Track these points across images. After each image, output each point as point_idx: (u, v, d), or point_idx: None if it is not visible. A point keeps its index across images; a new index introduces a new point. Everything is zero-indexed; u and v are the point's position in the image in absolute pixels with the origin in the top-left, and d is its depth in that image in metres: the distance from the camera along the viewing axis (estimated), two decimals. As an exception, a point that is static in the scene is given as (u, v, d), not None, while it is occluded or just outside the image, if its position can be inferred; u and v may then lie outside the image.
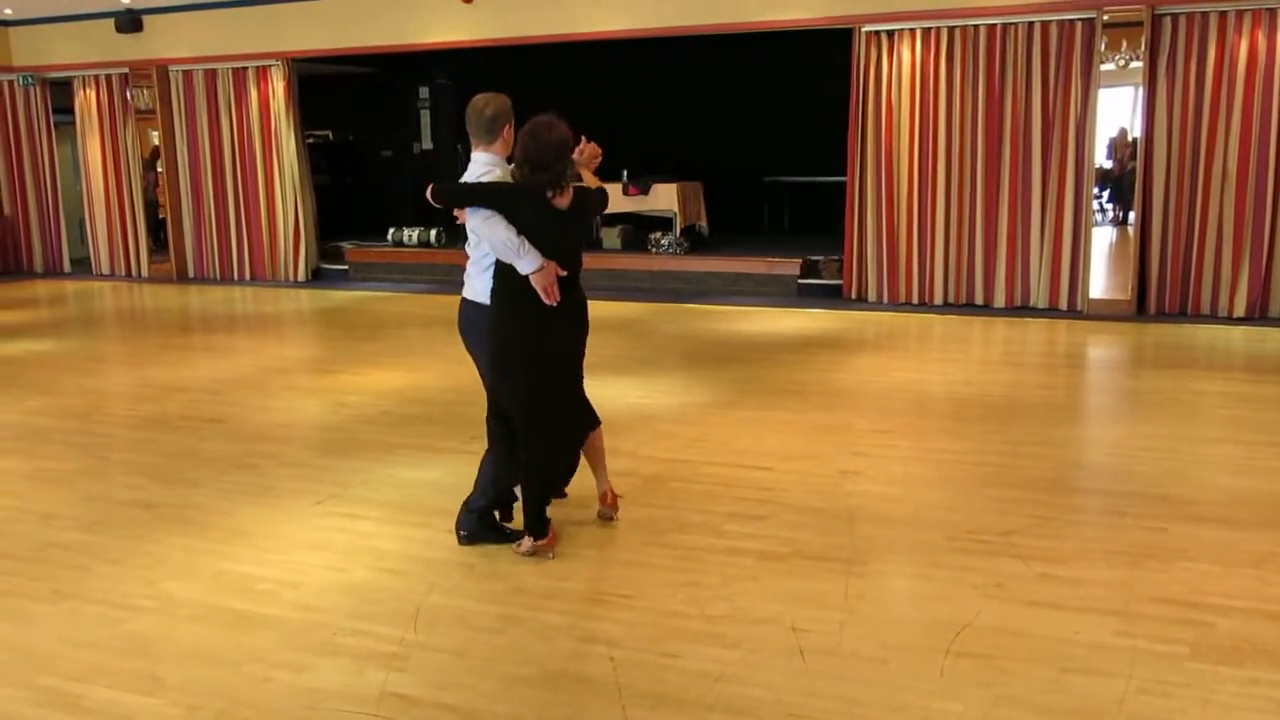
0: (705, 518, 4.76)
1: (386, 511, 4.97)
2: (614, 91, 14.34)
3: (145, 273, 14.51)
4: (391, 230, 13.70)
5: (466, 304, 4.40)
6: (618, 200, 12.43)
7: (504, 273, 4.14)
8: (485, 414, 4.48)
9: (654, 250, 12.33)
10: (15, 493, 5.41)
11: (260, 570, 4.33)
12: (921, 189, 10.56)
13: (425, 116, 16.33)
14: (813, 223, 13.71)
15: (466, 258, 4.40)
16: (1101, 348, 8.79)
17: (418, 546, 4.54)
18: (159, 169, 14.22)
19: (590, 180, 4.53)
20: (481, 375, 4.44)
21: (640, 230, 12.79)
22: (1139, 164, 9.84)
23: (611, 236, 12.84)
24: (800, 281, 11.41)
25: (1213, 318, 9.72)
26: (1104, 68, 9.79)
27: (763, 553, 4.34)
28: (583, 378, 4.50)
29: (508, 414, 4.30)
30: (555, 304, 4.08)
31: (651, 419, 6.49)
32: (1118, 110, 10.06)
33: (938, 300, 10.61)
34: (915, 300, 10.69)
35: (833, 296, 11.04)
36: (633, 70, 14.04)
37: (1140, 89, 9.75)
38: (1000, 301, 10.40)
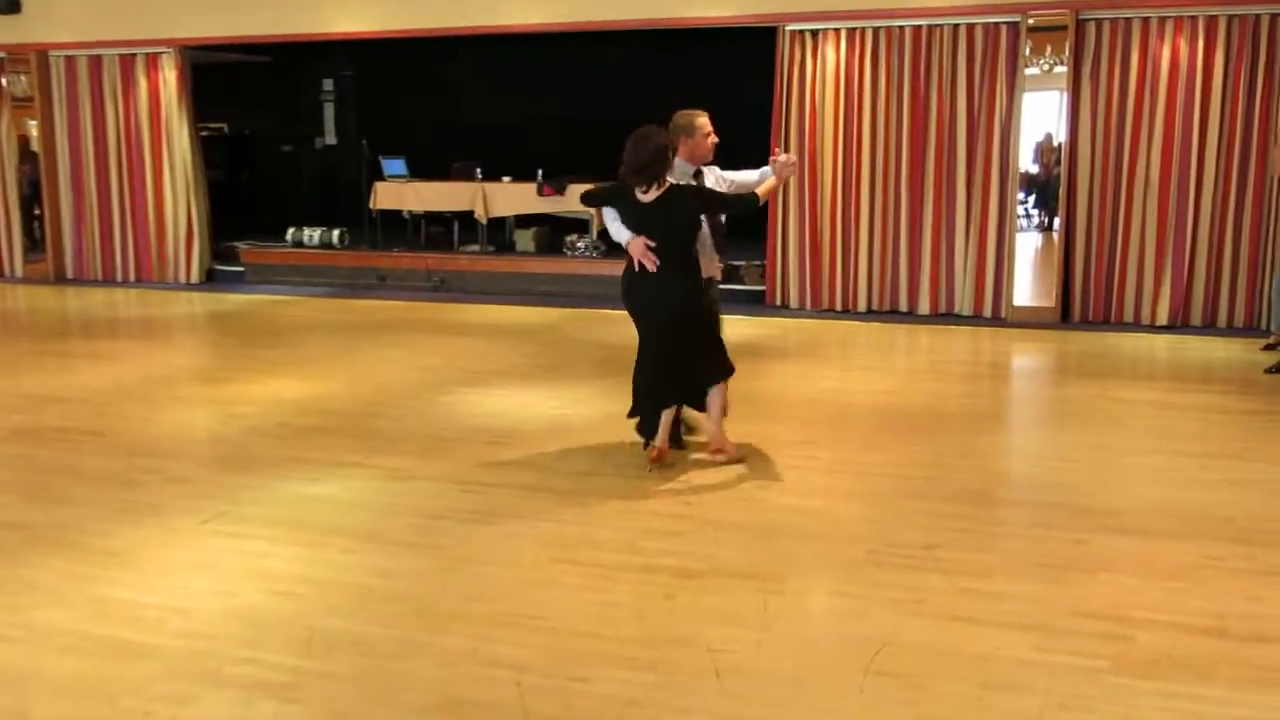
0: (619, 535, 4.76)
1: (280, 530, 4.88)
2: (528, 88, 14.32)
3: (19, 272, 14.09)
4: (291, 230, 13.48)
5: None
6: (532, 202, 12.40)
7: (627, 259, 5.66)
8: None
9: (569, 253, 12.31)
10: None
11: (142, 595, 4.21)
12: (845, 193, 10.69)
13: (328, 110, 16.13)
14: (734, 226, 13.76)
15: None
16: (1026, 356, 8.99)
17: (313, 567, 4.46)
18: (35, 161, 13.82)
19: (765, 188, 5.87)
20: None
21: (556, 233, 12.77)
22: (1063, 169, 10.10)
23: (525, 239, 12.80)
24: (722, 287, 11.43)
25: (1136, 325, 10.00)
26: (1029, 72, 10.03)
27: (679, 570, 4.35)
28: (689, 351, 5.67)
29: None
30: (652, 269, 5.49)
31: (565, 430, 6.48)
32: (1044, 115, 10.33)
33: (861, 307, 10.75)
34: (839, 307, 10.82)
35: (755, 303, 11.12)
36: (547, 66, 14.01)
37: (1065, 94, 10.00)
38: (925, 308, 10.58)
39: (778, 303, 11.04)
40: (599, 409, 6.97)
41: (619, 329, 9.78)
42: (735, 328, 9.89)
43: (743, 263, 11.59)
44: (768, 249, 11.06)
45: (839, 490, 5.36)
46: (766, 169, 6.02)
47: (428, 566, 4.45)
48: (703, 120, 5.90)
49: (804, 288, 10.95)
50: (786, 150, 10.50)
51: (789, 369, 8.33)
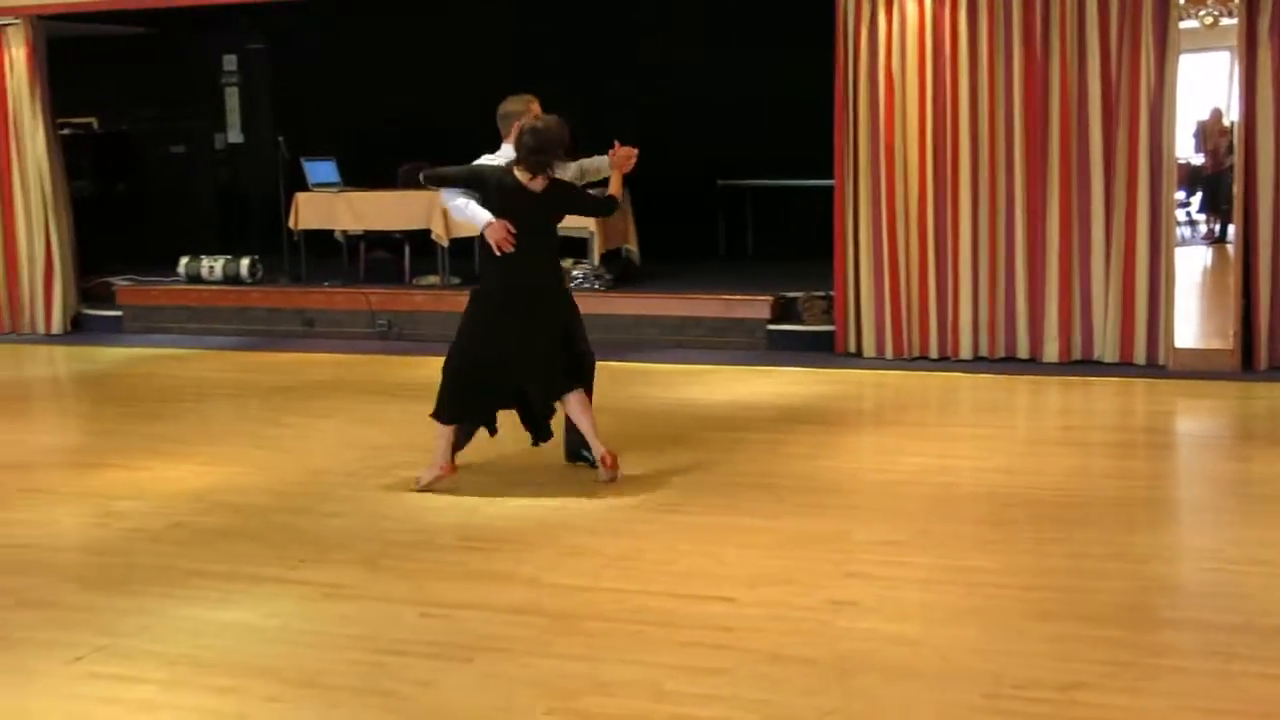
0: (638, 672, 4.74)
1: (177, 671, 4.88)
2: (500, 66, 14.43)
3: None
4: (185, 260, 13.56)
5: None
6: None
7: (485, 251, 7.04)
8: None
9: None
10: None
11: (-12, 764, 4.23)
12: (938, 199, 10.68)
13: (232, 96, 16.27)
14: (789, 244, 13.81)
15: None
16: (1194, 418, 8.97)
17: (222, 723, 4.46)
18: None
19: (615, 186, 7.38)
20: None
21: (544, 257, 12.82)
22: (1237, 158, 10.08)
23: (503, 266, 12.86)
24: (772, 328, 11.47)
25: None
26: (1185, 26, 10.05)
27: (722, 722, 4.33)
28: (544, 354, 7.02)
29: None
30: (509, 250, 6.86)
31: (559, 528, 6.47)
32: (1208, 85, 10.32)
33: (964, 353, 10.74)
34: (933, 354, 10.79)
35: (818, 349, 11.08)
36: (529, 36, 14.15)
37: (1236, 55, 10.01)
38: (1052, 355, 10.57)
39: (850, 349, 11.01)
40: (605, 499, 6.96)
41: (634, 389, 9.81)
42: (793, 384, 9.91)
43: (800, 294, 11.59)
44: (835, 275, 11.06)
45: (940, 609, 5.33)
46: (602, 158, 7.45)
47: (378, 721, 4.44)
48: (535, 106, 7.25)
49: (884, 328, 10.92)
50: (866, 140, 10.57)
51: (866, 440, 8.30)
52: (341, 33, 15.00)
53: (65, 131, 14.55)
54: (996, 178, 10.59)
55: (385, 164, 13.29)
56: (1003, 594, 5.47)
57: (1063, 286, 10.51)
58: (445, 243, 12.55)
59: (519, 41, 14.43)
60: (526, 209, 6.91)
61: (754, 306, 11.57)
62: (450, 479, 7.16)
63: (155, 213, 16.11)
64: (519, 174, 6.92)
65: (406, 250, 13.07)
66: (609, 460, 7.14)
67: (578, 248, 12.44)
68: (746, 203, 14.57)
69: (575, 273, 12.28)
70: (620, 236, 12.91)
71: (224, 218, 16.22)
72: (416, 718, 4.47)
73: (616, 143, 7.35)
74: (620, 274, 12.62)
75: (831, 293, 11.19)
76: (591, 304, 11.96)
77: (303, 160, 13.19)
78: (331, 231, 13.14)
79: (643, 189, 13.04)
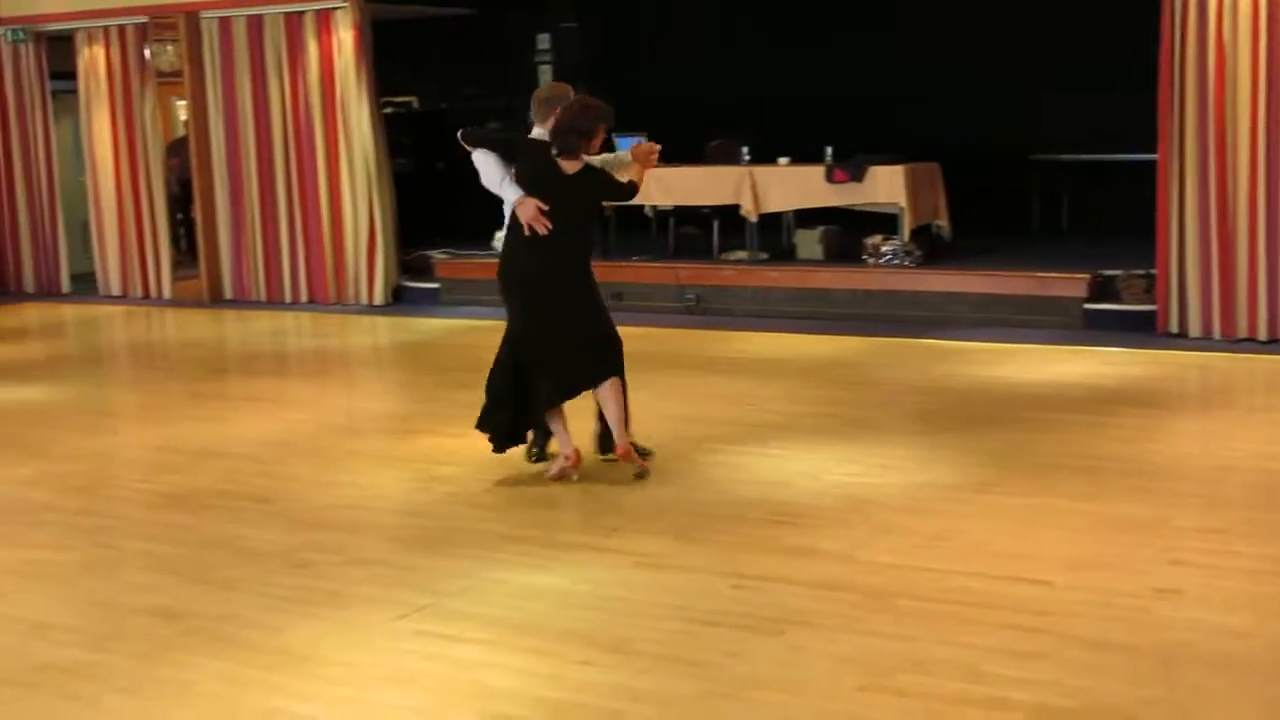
0: (953, 653, 4.70)
1: (497, 633, 5.05)
2: (816, 39, 14.39)
3: (167, 293, 15.12)
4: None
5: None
6: (819, 191, 12.42)
7: (511, 224, 6.98)
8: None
9: (871, 261, 12.28)
10: (1, 593, 5.70)
11: (323, 711, 4.45)
12: (1271, 171, 10.27)
13: (545, 75, 16.63)
14: (1106, 221, 13.45)
15: None
16: None
17: (541, 684, 4.59)
18: (185, 153, 14.84)
19: (635, 172, 7.05)
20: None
21: (851, 233, 12.75)
22: None
23: (809, 242, 12.84)
24: (1089, 307, 11.20)
25: None
26: None
27: (1038, 708, 4.27)
28: (567, 353, 6.86)
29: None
30: (543, 234, 6.77)
31: (870, 506, 6.46)
32: None
33: (1296, 335, 10.31)
34: (1261, 335, 10.39)
35: (1138, 329, 10.80)
36: (843, 10, 14.05)
37: None
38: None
39: (1173, 330, 10.69)
40: (916, 477, 6.91)
41: (944, 367, 9.69)
42: (1111, 365, 9.64)
43: (1119, 272, 11.28)
44: (1157, 252, 10.72)
45: (1271, 602, 5.14)
46: (624, 153, 7.29)
47: (690, 690, 4.50)
48: (573, 95, 7.16)
49: (1210, 307, 10.56)
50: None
51: (1190, 426, 8.04)
52: (651, 10, 15.19)
53: (388, 110, 15.09)
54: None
55: (694, 139, 13.38)
56: (1342, 588, 5.24)
57: None
58: (754, 218, 12.60)
59: (821, 16, 14.34)
60: (557, 192, 6.80)
61: (1070, 284, 11.30)
62: (576, 469, 7.01)
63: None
64: (558, 157, 6.79)
65: (715, 225, 13.15)
66: (629, 454, 6.94)
67: (888, 223, 12.34)
68: (1061, 178, 14.17)
69: (884, 249, 12.19)
70: (931, 212, 12.73)
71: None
72: (726, 688, 4.51)
73: (643, 138, 7.38)
74: (929, 250, 12.44)
75: (1152, 270, 10.88)
76: (898, 280, 11.95)
77: (614, 136, 13.35)
78: (641, 206, 13.31)
79: (955, 166, 12.90)
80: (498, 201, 7.15)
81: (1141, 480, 6.76)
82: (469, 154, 7.13)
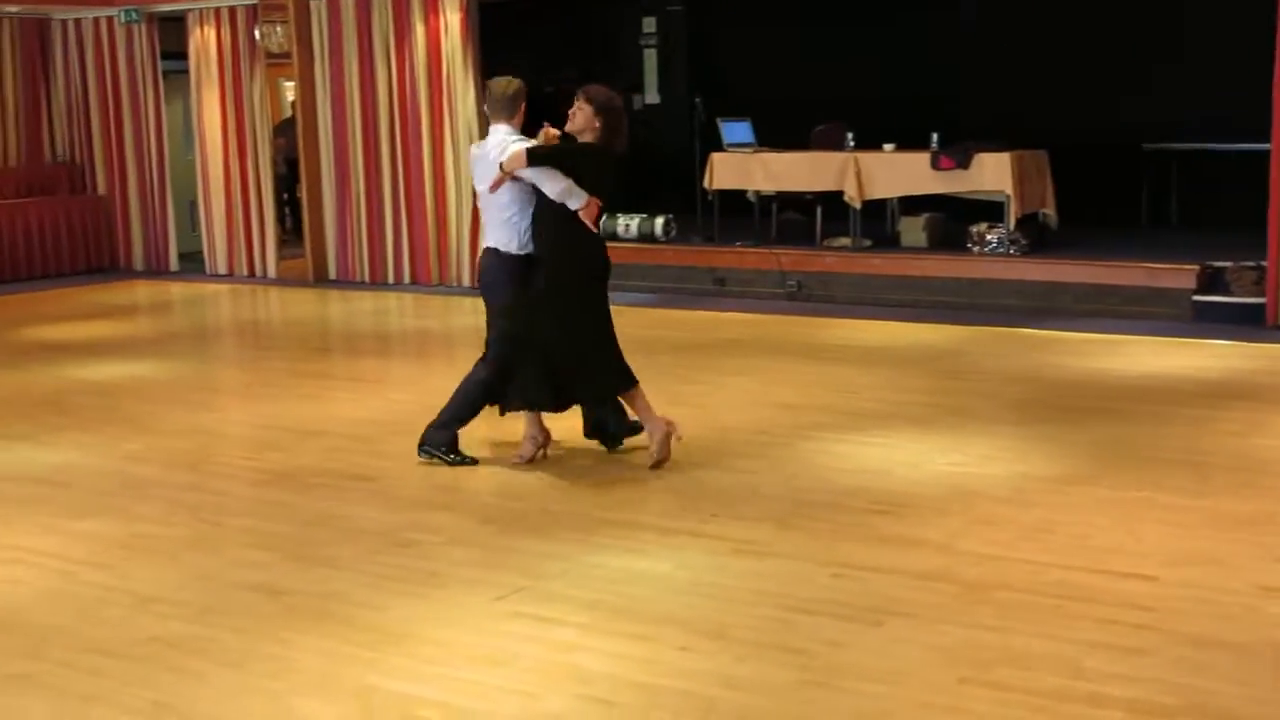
0: (1053, 647, 4.67)
1: (594, 616, 5.08)
2: (923, 22, 14.28)
3: (272, 272, 15.37)
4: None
5: (488, 251, 7.23)
6: (924, 178, 12.33)
7: (561, 219, 6.99)
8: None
9: (976, 249, 12.17)
10: (109, 565, 5.83)
11: (420, 689, 4.50)
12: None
13: (650, 59, 16.66)
14: (1217, 212, 13.22)
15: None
16: None
17: (638, 668, 4.61)
18: (292, 134, 15.04)
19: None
20: (489, 322, 7.31)
21: (955, 220, 12.65)
22: None
23: (914, 230, 12.75)
24: (1198, 299, 11.02)
25: None
26: None
27: (1140, 706, 4.23)
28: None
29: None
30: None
31: (971, 496, 6.41)
32: None
33: None
34: (1379, 330, 10.18)
35: (1248, 322, 10.62)
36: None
37: None
38: None
39: (1285, 322, 10.51)
40: (1018, 468, 6.86)
41: (1048, 357, 9.59)
42: (1220, 358, 9.48)
43: (1229, 264, 11.09)
44: (1269, 244, 10.53)
45: (1385, 602, 5.04)
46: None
47: (787, 678, 4.51)
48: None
49: (1323, 300, 10.36)
50: None
51: (1302, 420, 7.90)
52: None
53: (493, 93, 15.17)
54: None
55: (799, 125, 13.35)
56: None
57: None
58: (858, 204, 12.53)
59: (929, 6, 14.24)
60: (611, 189, 7.16)
61: (1179, 276, 11.12)
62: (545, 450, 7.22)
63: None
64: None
65: (818, 211, 13.08)
66: (672, 424, 6.98)
67: (993, 211, 12.22)
68: (1172, 167, 13.95)
69: (989, 237, 12.08)
70: (1038, 200, 12.58)
71: (639, 177, 16.61)
72: (823, 677, 4.51)
73: (547, 124, 7.32)
74: (1036, 239, 12.30)
75: (1263, 262, 10.70)
76: (1003, 269, 11.83)
77: (719, 120, 13.37)
78: (744, 192, 13.30)
79: (1063, 153, 12.74)
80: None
81: (1249, 476, 6.64)
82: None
